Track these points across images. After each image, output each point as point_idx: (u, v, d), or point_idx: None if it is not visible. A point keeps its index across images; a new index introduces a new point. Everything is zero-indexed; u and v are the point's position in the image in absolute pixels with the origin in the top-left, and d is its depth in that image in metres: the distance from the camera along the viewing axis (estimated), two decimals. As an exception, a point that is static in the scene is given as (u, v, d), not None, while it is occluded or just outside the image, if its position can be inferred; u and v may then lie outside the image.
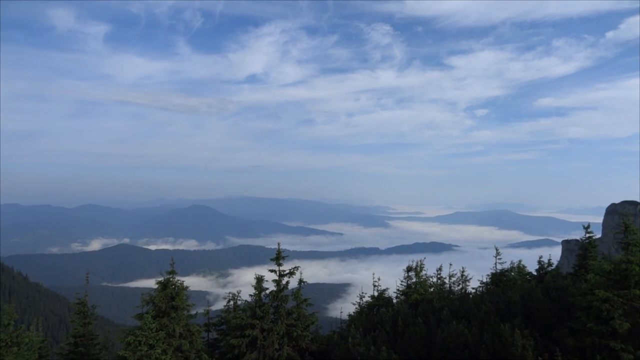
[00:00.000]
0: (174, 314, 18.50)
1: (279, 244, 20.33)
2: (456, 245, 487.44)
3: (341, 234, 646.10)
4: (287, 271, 20.20)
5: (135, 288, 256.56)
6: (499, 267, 26.67)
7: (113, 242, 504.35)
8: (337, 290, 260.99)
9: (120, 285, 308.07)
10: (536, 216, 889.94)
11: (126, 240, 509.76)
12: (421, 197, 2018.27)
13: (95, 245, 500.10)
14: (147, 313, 17.52)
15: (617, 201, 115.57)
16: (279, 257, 20.06)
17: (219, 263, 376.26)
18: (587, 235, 24.08)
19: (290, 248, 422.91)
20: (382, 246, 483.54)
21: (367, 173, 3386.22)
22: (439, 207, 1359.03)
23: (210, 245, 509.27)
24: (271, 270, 20.16)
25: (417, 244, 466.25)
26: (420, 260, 26.03)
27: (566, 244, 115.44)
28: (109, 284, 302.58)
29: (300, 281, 20.56)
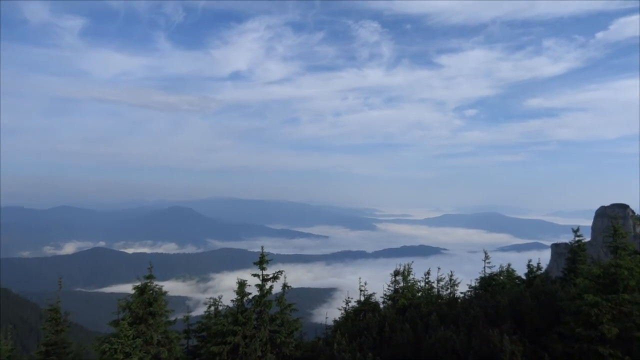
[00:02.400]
0: (152, 321, 18.31)
1: (262, 247, 20.27)
2: (445, 249, 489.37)
3: (327, 237, 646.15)
4: (271, 275, 20.12)
5: (111, 293, 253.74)
6: (488, 271, 26.83)
7: (88, 245, 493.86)
8: (322, 295, 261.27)
9: (96, 290, 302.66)
10: (526, 219, 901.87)
11: (102, 244, 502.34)
12: (409, 199, 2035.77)
13: (69, 248, 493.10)
14: (123, 319, 17.35)
15: (607, 204, 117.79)
16: (262, 260, 19.99)
17: (200, 267, 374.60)
18: (577, 238, 24.36)
19: (274, 251, 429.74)
20: (369, 249, 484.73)
21: (354, 174, 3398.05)
22: (428, 210, 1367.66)
23: (190, 249, 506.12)
24: (254, 275, 20.04)
25: (405, 247, 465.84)
26: (408, 264, 26.04)
27: (555, 247, 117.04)
28: (84, 290, 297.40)
29: (284, 286, 20.54)
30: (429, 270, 26.92)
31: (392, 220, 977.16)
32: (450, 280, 26.78)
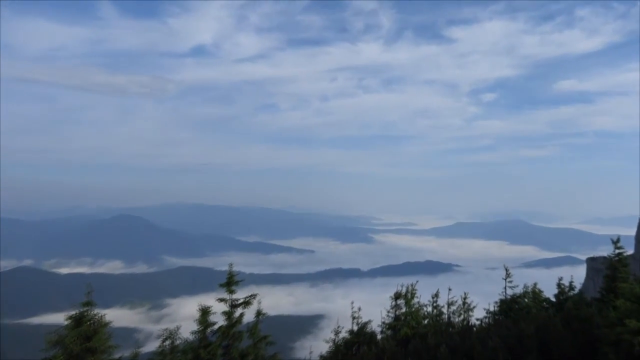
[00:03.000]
0: (91, 359, 17.80)
1: (231, 264, 20.21)
2: (457, 265, 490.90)
3: (312, 252, 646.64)
4: (242, 300, 20.03)
5: (40, 325, 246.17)
6: (510, 292, 26.91)
7: (10, 264, 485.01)
8: (306, 324, 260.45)
9: (19, 321, 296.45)
10: (556, 228, 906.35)
11: (28, 262, 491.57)
12: (414, 204, 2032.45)
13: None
14: (54, 358, 16.85)
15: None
16: (231, 282, 19.98)
17: (153, 290, 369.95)
18: (617, 251, 24.87)
19: (247, 270, 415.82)
20: (364, 267, 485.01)
21: (346, 173, 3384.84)
22: (436, 217, 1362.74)
23: (140, 268, 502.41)
24: (221, 300, 19.93)
25: (408, 263, 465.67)
26: (412, 285, 26.19)
27: (591, 262, 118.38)
28: (4, 321, 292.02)
29: (259, 313, 20.44)
30: (437, 291, 26.89)
31: (392, 231, 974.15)
32: (464, 304, 26.89)
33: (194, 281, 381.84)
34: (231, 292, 19.78)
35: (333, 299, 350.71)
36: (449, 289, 27.22)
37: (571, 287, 27.12)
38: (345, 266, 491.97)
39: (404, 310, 25.19)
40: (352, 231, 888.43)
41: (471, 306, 26.81)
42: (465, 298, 26.88)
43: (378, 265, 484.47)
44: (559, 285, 26.53)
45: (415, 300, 25.53)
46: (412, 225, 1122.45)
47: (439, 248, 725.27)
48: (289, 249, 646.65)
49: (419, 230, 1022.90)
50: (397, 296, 25.68)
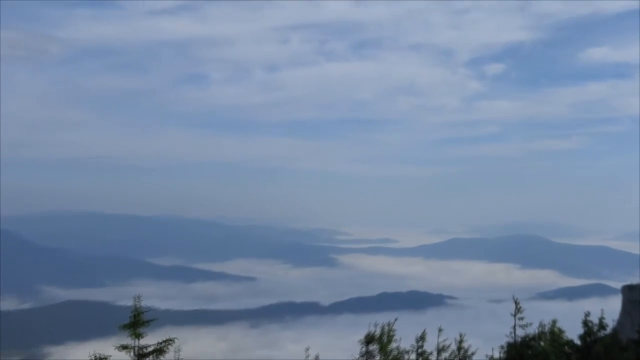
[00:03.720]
0: None
1: (138, 297, 19.98)
2: (451, 297, 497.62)
3: (253, 279, 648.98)
4: (153, 347, 19.70)
5: None
6: (521, 332, 27.46)
7: None
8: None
9: None
10: (582, 245, 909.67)
11: None
12: (394, 213, 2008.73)
13: None
14: None
15: None
16: (137, 321, 19.73)
17: (26, 335, 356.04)
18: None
19: (161, 305, 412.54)
20: (325, 300, 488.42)
21: (301, 171, 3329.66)
22: (424, 231, 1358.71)
23: (8, 302, 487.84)
24: (123, 347, 19.50)
25: (385, 294, 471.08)
26: (390, 324, 25.86)
27: (629, 291, 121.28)
28: None
29: (177, 365, 21.50)
30: (424, 332, 26.99)
31: (364, 250, 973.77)
32: (460, 349, 27.17)
33: (85, 321, 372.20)
34: (138, 336, 19.38)
35: (282, 345, 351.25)
36: (440, 329, 27.17)
37: (601, 326, 27.58)
38: (299, 299, 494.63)
39: (378, 358, 24.95)
40: (308, 251, 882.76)
41: (469, 352, 26.98)
42: (461, 341, 26.99)
43: (344, 298, 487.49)
44: (585, 323, 26.95)
45: (394, 345, 25.23)
46: (391, 243, 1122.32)
47: (427, 273, 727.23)
48: (220, 276, 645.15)
49: (401, 249, 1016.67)
50: (370, 340, 25.38)
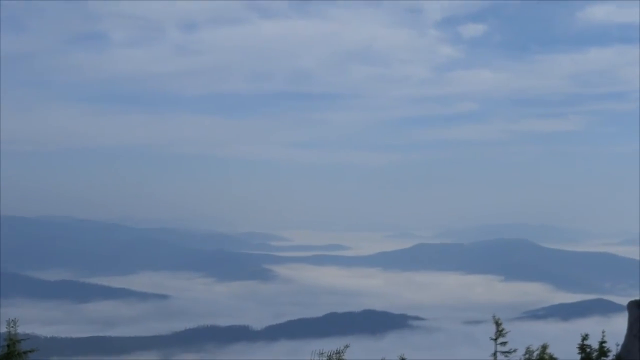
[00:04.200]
0: None
1: (13, 321, 19.08)
2: (417, 317, 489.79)
3: (165, 297, 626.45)
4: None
5: None
6: (503, 359, 28.24)
7: None
8: None
9: None
10: (580, 252, 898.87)
11: None
12: (345, 212, 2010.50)
13: None
14: None
15: None
16: (12, 353, 19.30)
17: None
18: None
19: (45, 331, 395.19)
20: (258, 323, 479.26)
21: (228, 159, 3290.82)
22: (383, 236, 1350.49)
23: None
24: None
25: (333, 315, 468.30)
26: (340, 352, 26.15)
27: (637, 308, 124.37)
28: None
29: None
30: (382, 360, 26.40)
31: (307, 259, 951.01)
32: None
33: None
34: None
35: None
36: (402, 359, 27.09)
37: (602, 352, 28.03)
38: (224, 322, 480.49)
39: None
40: (236, 260, 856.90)
41: None
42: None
43: (281, 320, 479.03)
44: (582, 348, 27.29)
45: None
46: (341, 250, 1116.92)
47: (387, 288, 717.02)
48: (122, 293, 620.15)
49: (354, 257, 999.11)
50: None
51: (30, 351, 17.87)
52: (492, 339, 25.71)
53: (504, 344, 25.78)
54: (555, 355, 26.62)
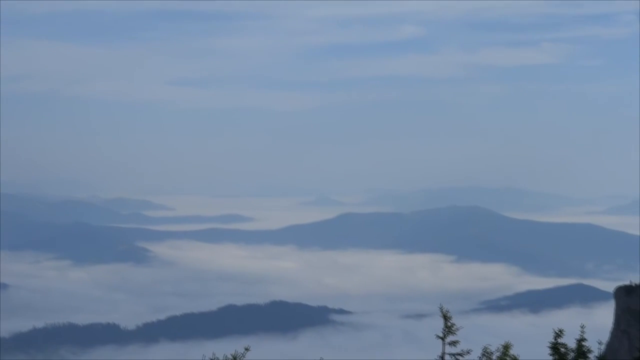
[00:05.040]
0: None
1: None
2: (342, 310, 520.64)
3: (1, 287, 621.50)
4: None
5: None
6: None
7: None
8: None
9: None
10: (555, 223, 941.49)
11: None
12: (246, 174, 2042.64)
13: None
14: None
15: None
16: None
17: None
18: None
19: None
20: (130, 320, 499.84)
21: (84, 100, 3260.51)
22: (296, 202, 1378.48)
23: None
24: None
25: (230, 308, 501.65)
26: (237, 357, 25.21)
27: (626, 296, 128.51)
28: None
29: None
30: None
31: (194, 234, 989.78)
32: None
33: None
34: None
35: None
36: (321, 364, 27.35)
37: (581, 352, 29.11)
38: (85, 319, 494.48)
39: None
40: (98, 236, 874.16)
41: None
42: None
43: (161, 316, 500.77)
44: (555, 348, 28.26)
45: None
46: (241, 221, 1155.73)
47: (301, 272, 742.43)
48: None
49: (257, 232, 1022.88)
50: None
51: None
52: (438, 337, 26.24)
53: (454, 343, 25.98)
54: (520, 358, 27.40)
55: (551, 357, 25.97)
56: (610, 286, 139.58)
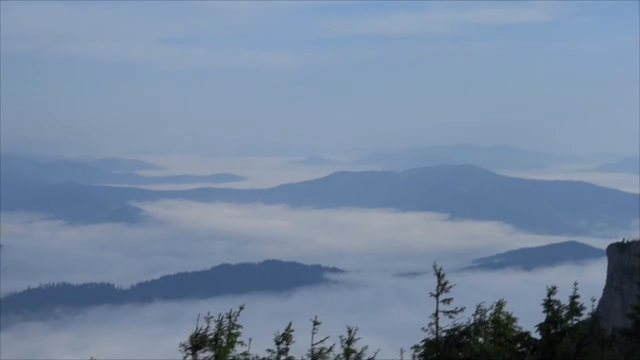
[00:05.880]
0: None
1: None
2: (335, 269, 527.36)
3: None
4: None
5: None
6: (447, 322, 27.41)
7: None
8: None
9: None
10: (546, 181, 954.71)
11: None
12: (238, 133, 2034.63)
13: None
14: None
15: None
16: None
17: None
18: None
19: None
20: (124, 279, 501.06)
21: (74, 59, 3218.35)
22: (288, 161, 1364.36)
23: None
24: None
25: (223, 267, 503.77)
26: (232, 315, 25.31)
27: (619, 253, 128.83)
28: None
29: None
30: (289, 326, 27.41)
31: (186, 193, 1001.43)
32: (347, 352, 27.94)
33: None
34: None
35: (50, 356, 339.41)
36: (315, 322, 27.76)
37: (574, 309, 29.26)
38: (78, 279, 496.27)
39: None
40: (91, 196, 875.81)
41: (363, 357, 28.50)
42: (350, 340, 27.04)
43: (155, 275, 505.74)
44: (548, 305, 28.40)
45: (239, 349, 25.27)
46: (232, 181, 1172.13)
47: (294, 231, 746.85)
48: None
49: (250, 190, 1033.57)
50: (198, 342, 24.82)
51: None
52: (432, 294, 26.41)
53: (447, 301, 26.20)
54: (513, 315, 27.49)
55: (544, 314, 26.18)
56: (602, 243, 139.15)
